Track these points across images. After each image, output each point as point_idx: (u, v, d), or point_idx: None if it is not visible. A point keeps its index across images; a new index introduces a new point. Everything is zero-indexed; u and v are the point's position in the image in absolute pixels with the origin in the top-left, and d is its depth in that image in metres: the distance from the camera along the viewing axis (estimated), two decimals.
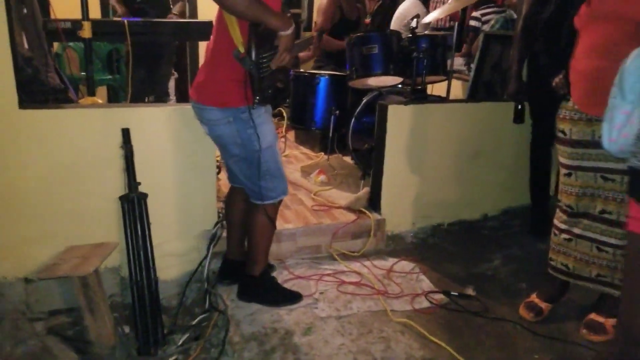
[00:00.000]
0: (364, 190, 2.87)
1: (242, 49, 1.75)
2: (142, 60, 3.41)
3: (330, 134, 3.26)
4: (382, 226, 2.75)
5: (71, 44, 4.35)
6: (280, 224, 2.57)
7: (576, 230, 2.05)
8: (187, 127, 2.23)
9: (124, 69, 3.57)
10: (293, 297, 2.18)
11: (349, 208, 2.81)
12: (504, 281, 2.50)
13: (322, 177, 3.22)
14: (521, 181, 3.03)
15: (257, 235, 2.11)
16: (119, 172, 2.17)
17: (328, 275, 2.40)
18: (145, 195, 2.17)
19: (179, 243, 2.33)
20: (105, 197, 2.16)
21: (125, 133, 2.15)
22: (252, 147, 1.90)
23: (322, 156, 3.74)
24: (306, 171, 3.40)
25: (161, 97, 3.70)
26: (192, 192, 2.32)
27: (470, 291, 2.36)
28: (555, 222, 2.13)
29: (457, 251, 2.76)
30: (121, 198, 2.13)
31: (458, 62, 4.00)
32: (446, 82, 3.33)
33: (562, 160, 2.06)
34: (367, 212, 2.77)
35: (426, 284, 2.41)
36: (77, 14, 2.91)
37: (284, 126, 4.03)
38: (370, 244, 2.69)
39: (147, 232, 2.14)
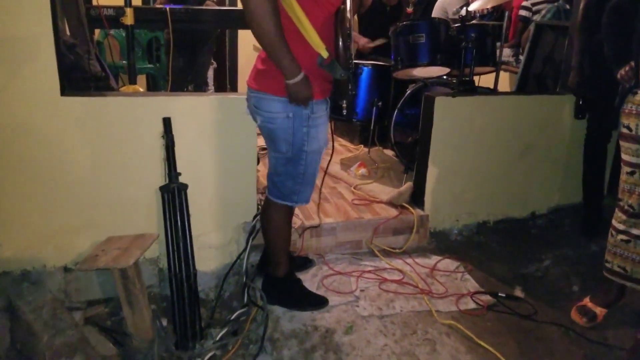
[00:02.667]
0: (407, 185, 2.76)
1: (325, 54, 1.58)
2: (182, 48, 3.39)
3: (372, 126, 3.15)
4: (425, 222, 2.64)
5: (112, 31, 4.39)
6: (321, 218, 2.50)
7: (635, 232, 1.90)
8: (229, 118, 2.18)
9: (164, 57, 3.56)
10: (318, 302, 2.07)
11: (391, 203, 2.71)
12: (554, 283, 2.36)
13: (362, 170, 3.13)
14: (572, 178, 2.87)
15: (274, 235, 2.02)
16: (159, 161, 2.13)
17: (369, 272, 2.32)
18: (185, 186, 2.13)
19: (218, 235, 2.29)
20: (145, 186, 2.13)
21: (167, 122, 2.11)
22: (301, 146, 1.78)
23: (362, 149, 3.65)
24: (346, 164, 3.32)
25: (200, 86, 3.67)
26: (232, 183, 2.27)
27: (518, 293, 2.23)
28: (613, 222, 1.99)
29: (504, 250, 2.63)
30: (161, 188, 2.10)
31: (506, 53, 3.81)
32: (492, 73, 3.19)
33: (625, 157, 1.91)
34: (409, 207, 2.67)
35: (472, 283, 2.30)
36: (118, 1, 2.91)
37: None
38: (412, 241, 2.59)
39: (186, 224, 2.10)
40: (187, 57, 3.49)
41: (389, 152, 3.44)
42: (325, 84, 1.74)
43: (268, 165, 1.97)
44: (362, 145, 3.71)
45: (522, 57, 3.73)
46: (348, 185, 3.00)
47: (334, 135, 4.03)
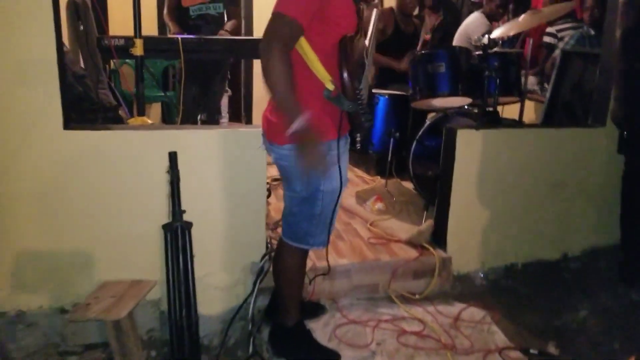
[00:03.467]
0: (428, 223, 2.58)
1: (331, 86, 1.51)
2: (195, 77, 3.31)
3: (389, 158, 3.00)
4: (447, 265, 2.45)
5: (128, 60, 4.36)
6: (333, 259, 2.34)
7: None
8: (237, 152, 2.06)
9: (178, 85, 3.49)
10: (329, 357, 1.89)
11: (411, 242, 2.53)
12: (593, 338, 2.13)
13: (379, 205, 2.96)
14: (608, 218, 2.66)
15: (285, 280, 1.87)
16: (163, 198, 2.01)
17: (386, 321, 2.13)
18: (189, 225, 2.00)
19: (224, 275, 2.14)
20: (148, 224, 2.01)
21: (172, 157, 1.99)
22: (317, 186, 1.65)
23: (379, 180, 3.48)
24: (362, 197, 3.15)
25: (213, 115, 3.59)
26: (240, 221, 2.13)
27: (552, 349, 2.02)
28: None
29: (535, 297, 2.42)
30: (164, 227, 1.97)
31: (530, 81, 3.65)
32: (517, 103, 3.03)
33: None
34: (430, 248, 2.48)
35: (500, 337, 2.08)
36: (130, 30, 2.86)
37: None
38: (434, 286, 2.39)
39: (189, 266, 1.96)
40: (200, 86, 3.41)
41: (408, 185, 3.27)
42: (341, 121, 1.60)
43: (284, 205, 1.83)
44: (378, 177, 3.55)
45: (547, 86, 3.56)
46: (364, 221, 2.83)
47: (350, 165, 3.94)
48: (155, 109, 5.05)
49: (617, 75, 2.23)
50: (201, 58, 3.06)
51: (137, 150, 2.01)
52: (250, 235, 2.15)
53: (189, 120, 3.32)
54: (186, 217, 1.99)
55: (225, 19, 3.51)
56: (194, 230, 1.97)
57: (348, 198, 3.17)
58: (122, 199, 2.01)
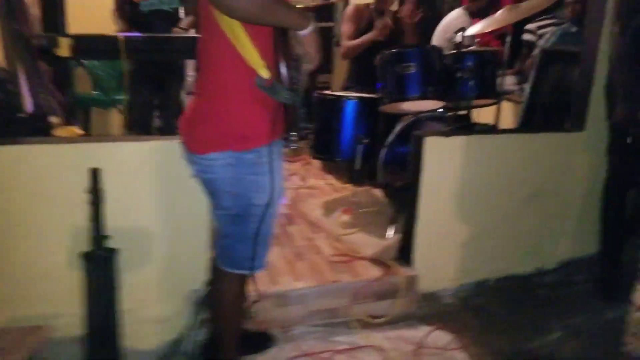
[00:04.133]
0: (394, 238, 2.38)
1: (265, 74, 1.31)
2: (145, 80, 3.07)
3: (357, 167, 2.79)
4: (413, 284, 2.25)
5: (86, 62, 4.10)
6: (289, 282, 2.13)
7: None
8: (173, 166, 1.82)
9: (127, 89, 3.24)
10: None
11: (376, 259, 2.32)
12: None
13: (345, 217, 2.75)
14: (585, 228, 2.48)
15: (223, 312, 1.64)
16: (85, 222, 1.77)
17: (342, 352, 1.92)
18: (113, 252, 1.75)
19: (160, 306, 1.92)
20: (65, 253, 1.77)
21: (94, 174, 1.73)
22: (249, 200, 1.44)
23: (350, 188, 3.27)
24: (330, 208, 2.94)
25: (170, 119, 3.34)
26: (178, 244, 1.91)
27: None
28: (636, 296, 1.59)
29: (507, 317, 2.22)
30: (83, 255, 1.71)
31: (508, 81, 3.44)
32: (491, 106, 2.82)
33: None
34: (396, 265, 2.28)
35: None
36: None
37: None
38: (398, 307, 2.19)
39: (114, 299, 1.73)
40: (152, 89, 3.16)
41: (378, 193, 3.06)
42: (275, 122, 1.39)
43: (215, 227, 1.61)
44: (349, 185, 3.33)
45: (526, 86, 3.36)
46: (328, 236, 2.62)
47: (320, 172, 3.72)
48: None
49: (627, 75, 2.00)
50: (151, 59, 2.82)
51: (54, 167, 1.76)
52: (191, 260, 1.92)
53: (140, 127, 3.08)
54: (114, 243, 1.76)
55: (183, 15, 3.26)
56: (123, 257, 1.75)
57: (315, 209, 2.96)
58: (34, 225, 1.76)
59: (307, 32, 1.33)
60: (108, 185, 1.72)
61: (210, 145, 1.40)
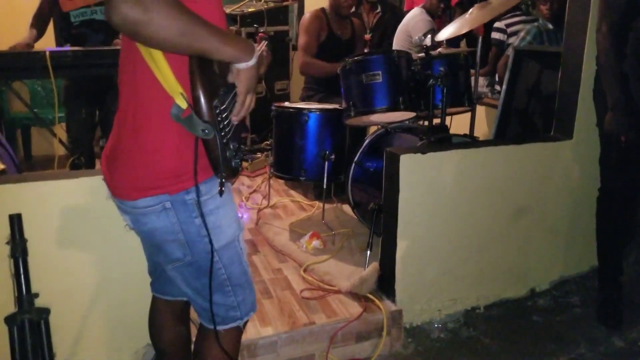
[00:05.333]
0: (371, 268, 2.12)
1: (182, 104, 1.05)
2: (81, 98, 2.72)
3: (325, 185, 2.53)
4: (397, 319, 2.01)
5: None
6: (255, 328, 1.84)
7: None
8: (109, 204, 1.52)
9: (62, 108, 2.87)
10: None
11: (352, 293, 2.07)
12: None
13: (315, 243, 2.48)
14: (577, 244, 2.30)
15: None
16: (7, 279, 1.46)
17: None
18: (44, 313, 1.48)
19: None
20: None
21: (14, 221, 1.46)
22: (203, 246, 1.18)
23: (318, 205, 3.01)
24: (296, 231, 2.66)
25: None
26: (124, 293, 1.62)
27: None
28: None
29: (500, 349, 2.01)
30: (7, 320, 1.44)
31: (479, 83, 3.27)
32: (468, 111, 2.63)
33: None
34: (376, 299, 2.03)
35: None
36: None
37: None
38: (382, 348, 1.94)
39: None
40: (91, 107, 2.81)
41: (349, 210, 2.81)
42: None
43: (174, 284, 1.32)
44: (317, 202, 3.07)
45: (498, 87, 3.20)
46: (297, 266, 2.35)
47: (285, 188, 3.45)
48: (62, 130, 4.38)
49: (612, 75, 1.82)
50: (85, 75, 2.47)
51: None
52: (141, 311, 1.60)
53: (80, 149, 2.72)
54: (45, 300, 1.47)
55: None
56: (58, 315, 1.47)
57: (281, 233, 2.67)
58: None
59: (245, 65, 1.09)
60: (33, 232, 1.43)
61: (139, 190, 1.13)
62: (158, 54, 1.04)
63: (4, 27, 3.45)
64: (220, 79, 1.13)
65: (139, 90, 1.11)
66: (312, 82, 3.21)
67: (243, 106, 1.15)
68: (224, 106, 1.10)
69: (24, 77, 3.00)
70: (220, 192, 1.11)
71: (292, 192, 3.37)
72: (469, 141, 2.36)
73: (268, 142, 3.94)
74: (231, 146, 1.12)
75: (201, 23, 0.98)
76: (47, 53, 2.17)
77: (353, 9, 3.32)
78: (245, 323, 1.35)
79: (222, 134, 1.08)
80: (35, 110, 3.37)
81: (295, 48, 4.08)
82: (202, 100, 1.03)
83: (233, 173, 1.14)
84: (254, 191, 3.36)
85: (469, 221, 2.12)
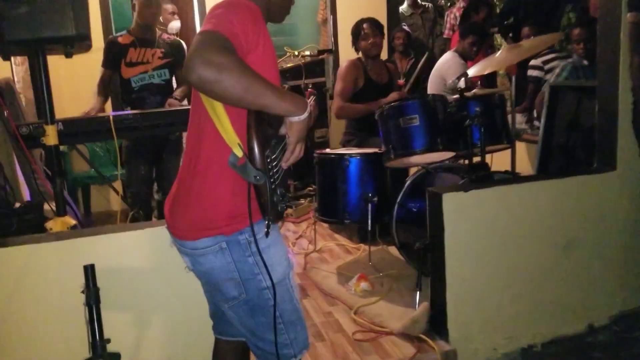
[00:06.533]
0: (422, 308, 2.13)
1: (239, 153, 1.17)
2: (141, 156, 2.93)
3: (370, 227, 2.58)
4: (452, 359, 1.99)
5: None
6: None
7: None
8: (173, 252, 1.63)
9: (123, 167, 3.09)
10: None
11: (405, 334, 2.07)
12: None
13: (364, 285, 2.51)
14: (634, 276, 2.24)
15: None
16: (81, 326, 1.57)
17: None
18: (116, 358, 1.58)
19: None
20: None
21: (88, 272, 1.58)
22: (257, 283, 1.27)
23: (363, 248, 3.05)
24: (344, 274, 2.71)
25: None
26: (183, 340, 1.69)
27: None
28: None
29: None
30: None
31: (518, 120, 3.30)
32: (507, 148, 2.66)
33: None
34: (429, 339, 2.03)
35: None
36: None
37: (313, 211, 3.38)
38: None
39: None
40: (149, 164, 3.01)
41: (395, 251, 2.84)
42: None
43: (230, 324, 1.40)
44: (362, 244, 3.11)
45: (537, 123, 3.22)
46: (347, 308, 2.37)
47: (330, 232, 3.51)
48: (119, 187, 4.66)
49: None
50: (144, 135, 2.68)
51: (40, 267, 1.60)
52: (206, 353, 1.68)
53: (139, 204, 2.90)
54: (115, 347, 1.55)
55: (175, 85, 3.16)
56: None
57: (329, 277, 2.72)
58: (23, 336, 1.57)
59: (298, 119, 1.20)
60: (105, 281, 1.55)
61: (197, 231, 1.25)
62: (220, 109, 1.18)
63: (66, 92, 3.79)
64: (272, 131, 1.24)
65: (202, 141, 1.26)
66: (351, 127, 3.33)
67: (293, 154, 1.25)
68: (274, 155, 1.21)
69: (91, 140, 3.26)
70: (267, 234, 1.20)
71: (337, 235, 3.43)
72: (511, 177, 2.38)
73: (311, 188, 4.07)
74: (278, 192, 1.22)
75: (263, 81, 1.11)
76: (111, 117, 2.39)
77: (384, 52, 3.47)
78: None
79: (272, 180, 1.19)
80: (93, 170, 3.63)
81: (332, 97, 4.26)
82: (256, 150, 1.14)
83: (279, 216, 1.23)
84: (300, 236, 3.44)
85: (519, 257, 2.11)
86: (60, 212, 2.04)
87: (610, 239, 2.24)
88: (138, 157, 2.96)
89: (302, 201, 3.99)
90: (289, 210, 3.88)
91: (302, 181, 4.18)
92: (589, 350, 2.14)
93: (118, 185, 3.16)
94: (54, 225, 2.01)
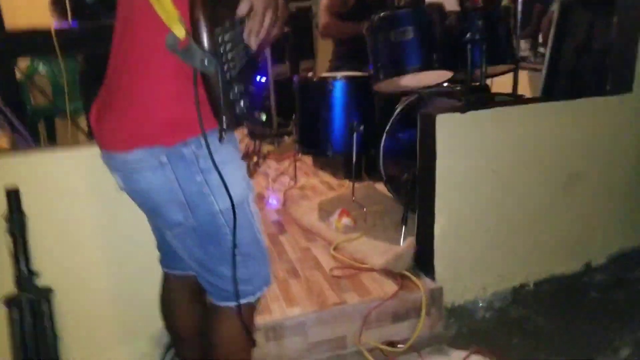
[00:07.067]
0: (407, 243, 1.94)
1: (180, 31, 0.90)
2: (99, 75, 2.63)
3: (355, 160, 2.35)
4: (438, 298, 1.82)
5: (40, 67, 3.65)
6: (281, 309, 1.69)
7: None
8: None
9: (79, 91, 2.78)
10: None
11: (387, 270, 1.89)
12: None
13: (345, 220, 2.31)
14: (638, 212, 2.04)
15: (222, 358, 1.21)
16: (5, 258, 1.38)
17: None
18: (46, 293, 1.39)
19: (121, 351, 1.52)
20: None
21: (12, 197, 1.37)
22: (207, 206, 1.04)
23: (348, 184, 2.83)
24: (326, 209, 2.50)
25: None
26: (138, 273, 1.48)
27: None
28: None
29: (556, 331, 1.79)
30: (6, 301, 1.36)
31: (521, 47, 3.00)
32: (506, 74, 2.39)
33: None
34: (413, 276, 1.85)
35: None
36: None
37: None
38: (421, 329, 1.75)
39: (51, 354, 1.33)
40: None
41: (382, 187, 2.63)
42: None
43: (177, 255, 1.18)
44: (347, 180, 2.90)
45: (542, 50, 2.93)
46: (327, 244, 2.18)
47: (313, 169, 3.29)
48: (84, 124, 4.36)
49: None
50: (93, 52, 2.37)
51: None
52: (151, 293, 1.48)
53: None
54: (49, 281, 1.37)
55: None
56: (64, 297, 1.38)
57: (309, 212, 2.52)
58: None
59: None
60: (34, 206, 1.34)
61: (128, 139, 1.00)
62: None
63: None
64: (227, 11, 0.97)
65: (134, 27, 0.98)
66: (340, 51, 3.02)
67: (262, 25, 0.96)
68: (228, 39, 0.94)
69: (31, 55, 2.90)
70: (220, 138, 0.95)
71: (321, 172, 3.22)
72: (514, 99, 2.13)
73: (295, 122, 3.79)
74: (236, 88, 0.96)
75: None
76: (53, 31, 2.07)
77: None
78: (259, 299, 1.19)
79: (225, 68, 0.93)
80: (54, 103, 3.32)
81: (317, 27, 3.91)
82: (202, 24, 0.87)
83: (237, 120, 0.98)
84: (281, 174, 3.22)
85: (516, 189, 1.90)
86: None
87: (617, 171, 2.04)
88: (96, 78, 2.66)
89: (286, 138, 3.74)
90: (271, 147, 3.63)
91: (286, 117, 3.90)
92: (585, 290, 1.98)
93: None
94: None
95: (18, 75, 3.29)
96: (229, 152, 1.05)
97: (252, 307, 1.19)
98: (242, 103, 0.97)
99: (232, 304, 1.13)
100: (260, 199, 2.81)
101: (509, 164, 1.88)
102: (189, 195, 1.03)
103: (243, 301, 1.14)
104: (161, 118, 0.98)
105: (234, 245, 1.06)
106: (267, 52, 3.65)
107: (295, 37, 3.83)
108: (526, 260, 1.98)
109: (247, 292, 1.14)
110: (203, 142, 0.97)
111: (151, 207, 1.10)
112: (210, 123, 0.96)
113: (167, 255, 1.29)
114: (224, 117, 0.94)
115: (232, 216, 1.04)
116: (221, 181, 1.00)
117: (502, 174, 1.87)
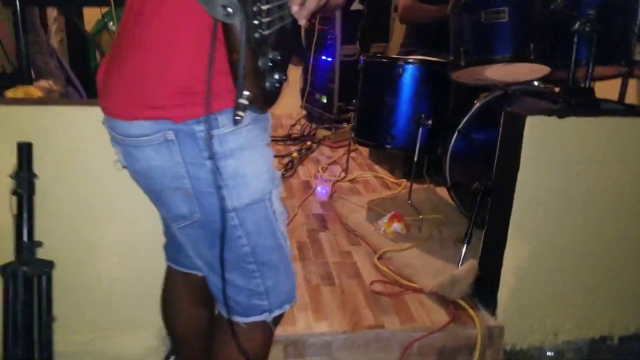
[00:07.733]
0: (468, 265, 1.62)
1: None
2: None
3: (417, 157, 2.04)
4: (497, 337, 1.50)
5: (110, 23, 3.57)
6: (307, 321, 1.45)
7: None
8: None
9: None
10: None
11: (439, 295, 1.59)
12: None
13: (397, 226, 2.01)
14: None
15: None
16: (8, 222, 1.22)
17: None
18: (46, 267, 1.22)
19: (126, 340, 1.35)
20: None
21: (24, 151, 1.22)
22: (216, 201, 0.80)
23: (404, 185, 2.53)
24: (376, 210, 2.22)
25: None
26: (146, 254, 1.28)
27: None
28: None
29: None
30: (1, 269, 1.19)
31: (635, 49, 2.54)
32: (613, 79, 1.99)
33: None
34: (469, 308, 1.53)
35: None
36: None
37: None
38: None
39: (45, 335, 1.18)
40: None
41: (445, 193, 2.30)
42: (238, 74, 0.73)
43: (184, 250, 0.96)
44: (405, 180, 2.59)
45: None
46: (372, 251, 1.90)
47: (369, 162, 3.00)
48: None
49: None
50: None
51: None
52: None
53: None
54: (53, 250, 1.22)
55: None
56: (69, 272, 1.24)
57: (356, 210, 2.25)
58: None
59: None
60: (43, 167, 1.20)
61: (133, 107, 0.79)
62: None
63: None
64: None
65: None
66: (413, 35, 2.70)
67: None
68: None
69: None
70: (235, 120, 0.71)
71: (377, 167, 2.92)
72: (625, 108, 1.73)
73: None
74: (270, 55, 0.72)
75: None
76: None
77: None
78: (278, 319, 0.94)
79: (256, 23, 0.68)
80: None
81: (396, 9, 3.58)
82: None
83: (265, 97, 0.74)
84: (334, 162, 2.96)
85: (614, 221, 1.53)
86: (26, 80, 1.64)
87: None
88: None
89: (344, 125, 3.46)
90: (326, 133, 3.37)
91: (347, 102, 3.61)
92: None
93: None
94: (15, 93, 1.61)
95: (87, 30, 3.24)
96: (254, 136, 0.81)
97: (266, 328, 0.94)
98: (275, 76, 0.74)
99: (241, 319, 0.90)
100: (307, 187, 2.56)
101: (610, 189, 1.51)
102: (197, 184, 0.81)
103: (256, 319, 0.91)
104: (172, 84, 0.76)
105: (248, 253, 0.83)
106: (338, 30, 3.39)
107: (369, 17, 3.53)
108: (613, 308, 1.60)
109: (261, 308, 0.91)
110: (223, 119, 0.75)
111: (153, 191, 0.88)
112: (226, 98, 0.73)
113: (173, 246, 1.06)
114: (243, 90, 0.69)
115: (247, 216, 0.80)
116: (239, 171, 0.77)
117: (599, 200, 1.51)
